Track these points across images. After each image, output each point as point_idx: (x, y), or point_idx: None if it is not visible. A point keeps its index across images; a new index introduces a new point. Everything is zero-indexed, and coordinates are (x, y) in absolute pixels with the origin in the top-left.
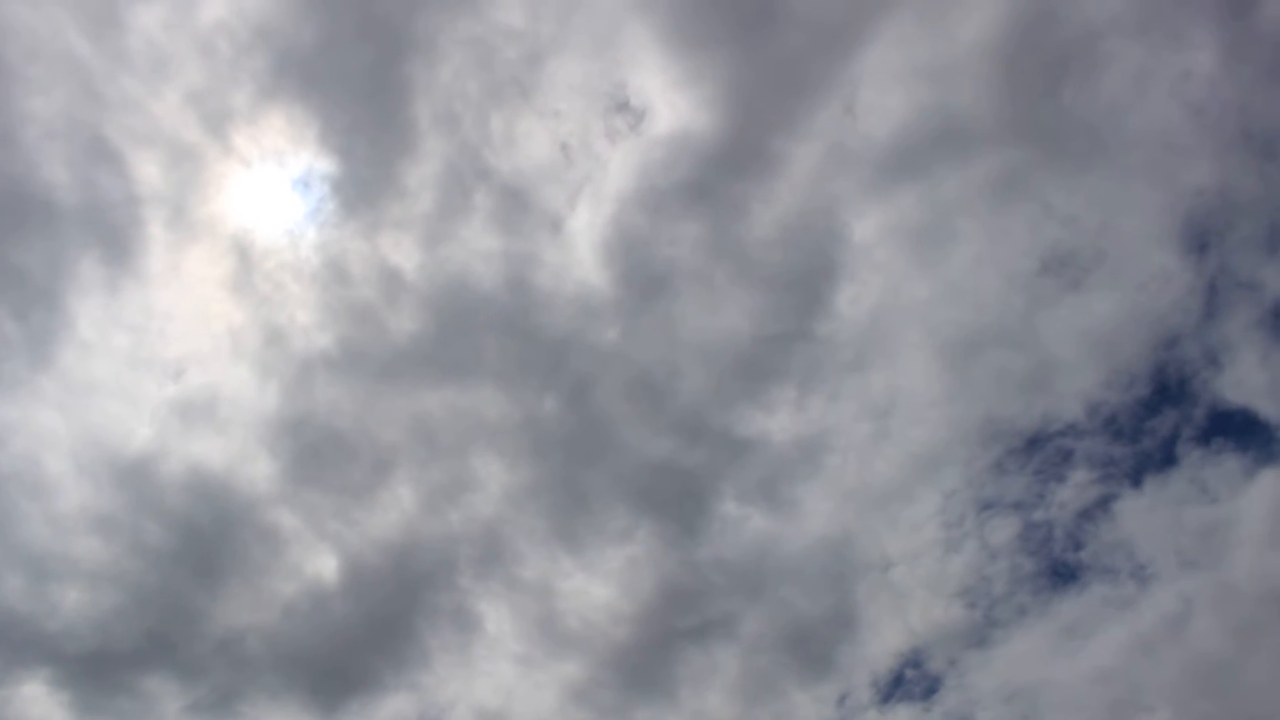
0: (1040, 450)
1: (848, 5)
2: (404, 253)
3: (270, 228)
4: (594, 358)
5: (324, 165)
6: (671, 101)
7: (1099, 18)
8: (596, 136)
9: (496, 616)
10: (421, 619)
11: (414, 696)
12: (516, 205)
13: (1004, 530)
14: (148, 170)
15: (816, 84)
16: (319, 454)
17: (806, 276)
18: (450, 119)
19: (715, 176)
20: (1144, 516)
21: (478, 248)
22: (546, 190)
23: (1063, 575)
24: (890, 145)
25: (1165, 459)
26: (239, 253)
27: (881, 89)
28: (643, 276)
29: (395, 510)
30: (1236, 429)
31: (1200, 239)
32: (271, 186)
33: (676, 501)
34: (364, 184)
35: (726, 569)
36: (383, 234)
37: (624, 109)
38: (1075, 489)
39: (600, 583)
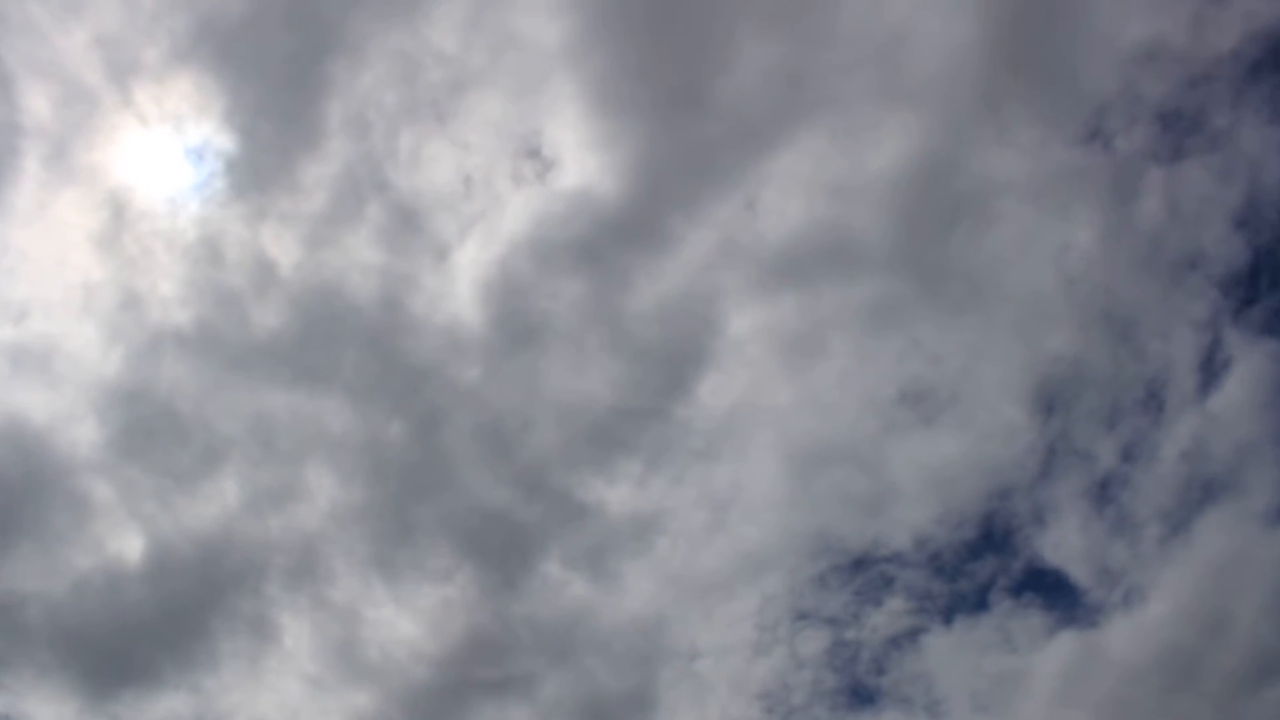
0: (864, 572)
1: (770, 109)
2: (283, 247)
3: (152, 191)
4: (451, 393)
5: (222, 141)
6: (582, 159)
7: (998, 177)
8: (501, 176)
9: (296, 632)
10: (218, 620)
11: (193, 698)
12: (407, 226)
13: (815, 643)
14: (37, 103)
15: (724, 175)
16: (150, 430)
17: (675, 358)
18: (360, 125)
19: (608, 242)
20: (948, 654)
21: (359, 258)
22: (440, 218)
23: (861, 697)
24: (782, 249)
25: (978, 603)
26: (114, 208)
27: (785, 194)
28: (516, 324)
29: (216, 504)
30: (1047, 588)
31: (1049, 402)
32: (163, 150)
33: (502, 552)
34: (258, 169)
35: (538, 629)
36: (266, 224)
37: (534, 156)
38: (889, 616)
39: (409, 618)
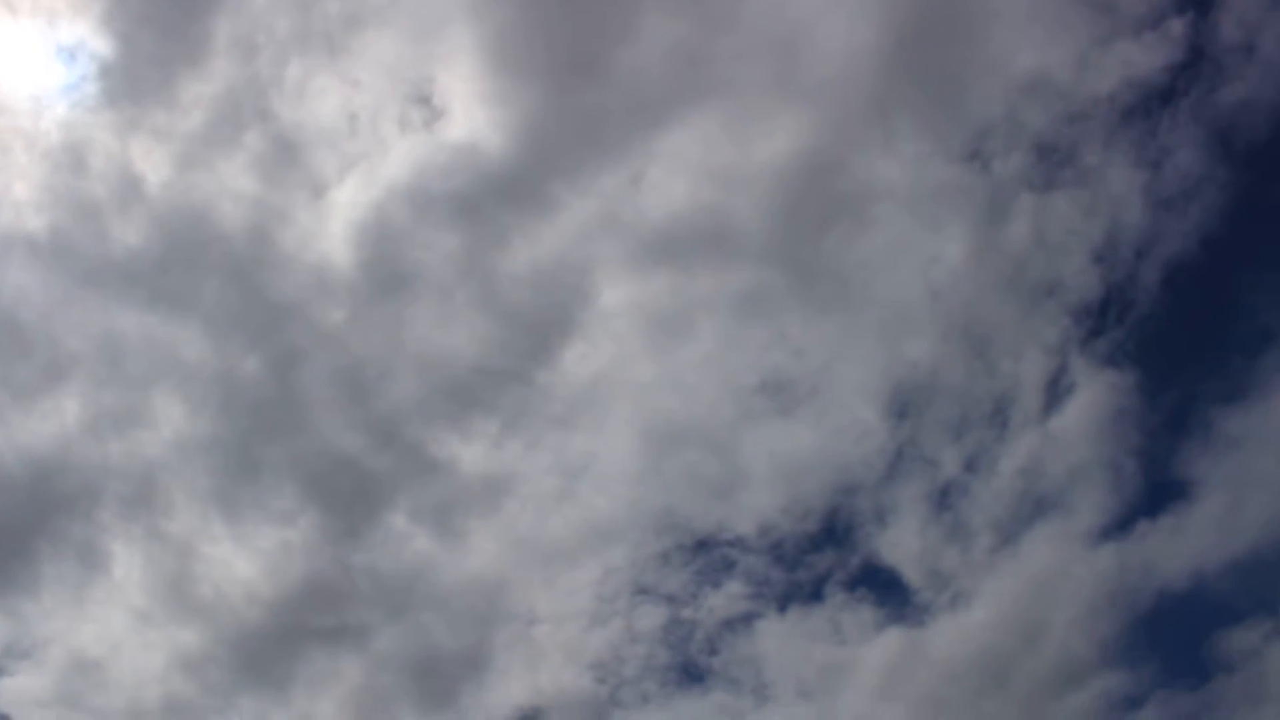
0: (706, 554)
1: (667, 87)
2: (153, 164)
3: (17, 87)
4: (312, 333)
5: (99, 45)
6: (472, 112)
7: (879, 183)
8: (388, 119)
9: (127, 563)
10: (45, 543)
11: (8, 622)
12: (286, 158)
13: (651, 618)
14: None
15: (613, 147)
16: None
17: (543, 323)
18: (249, 48)
19: (489, 199)
20: (779, 641)
21: (232, 185)
22: (321, 154)
23: (691, 675)
24: (662, 228)
25: (813, 594)
26: None
27: (671, 173)
28: (387, 270)
29: (55, 421)
30: (880, 585)
31: (901, 407)
32: (35, 45)
33: (348, 499)
34: (135, 79)
35: (377, 580)
36: (137, 136)
37: (424, 103)
38: (727, 598)
39: (247, 558)
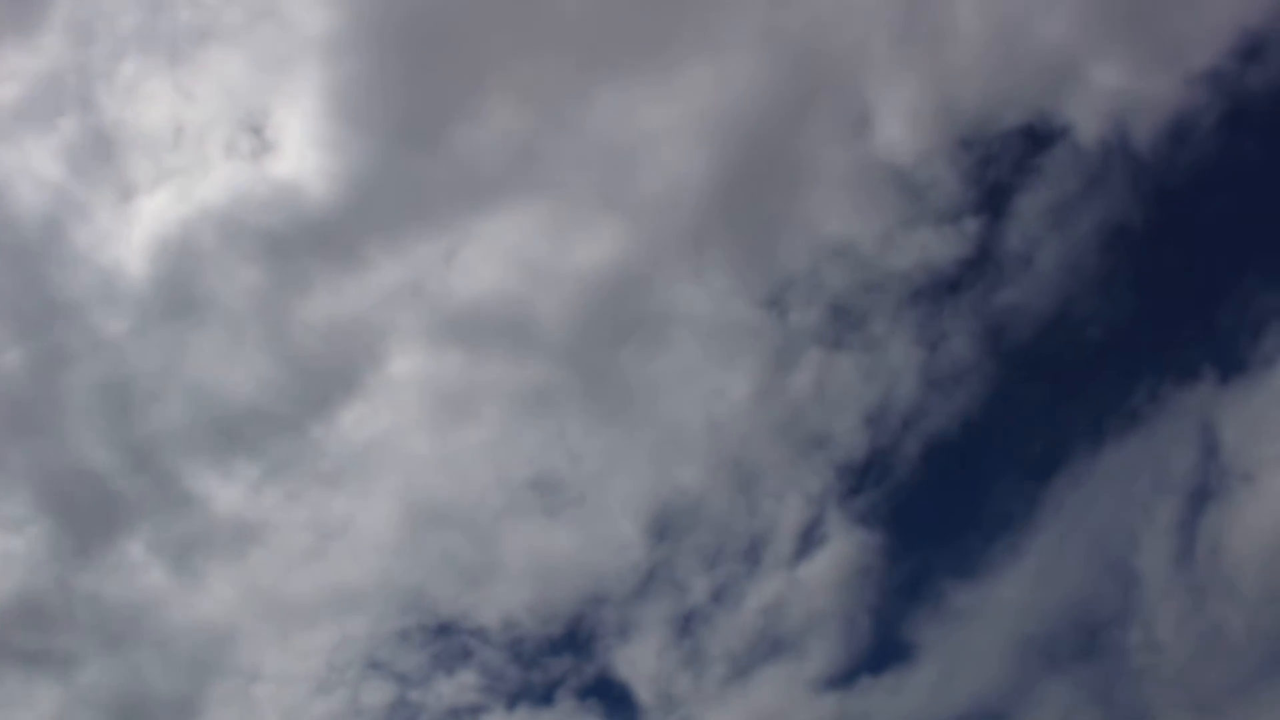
0: (447, 638)
1: (496, 172)
2: None
3: None
4: (87, 339)
5: None
6: (302, 153)
7: (681, 309)
8: (215, 140)
9: None
10: None
11: None
12: (99, 152)
13: (379, 694)
14: None
15: (434, 218)
16: None
17: (328, 377)
18: (85, 32)
19: (300, 242)
20: None
21: (34, 168)
22: (137, 158)
23: None
24: (465, 308)
25: (544, 696)
26: None
27: (485, 256)
28: (180, 291)
29: None
30: (612, 698)
31: (662, 528)
32: None
33: (86, 517)
34: None
35: (99, 607)
36: None
37: (256, 132)
38: (457, 688)
39: None
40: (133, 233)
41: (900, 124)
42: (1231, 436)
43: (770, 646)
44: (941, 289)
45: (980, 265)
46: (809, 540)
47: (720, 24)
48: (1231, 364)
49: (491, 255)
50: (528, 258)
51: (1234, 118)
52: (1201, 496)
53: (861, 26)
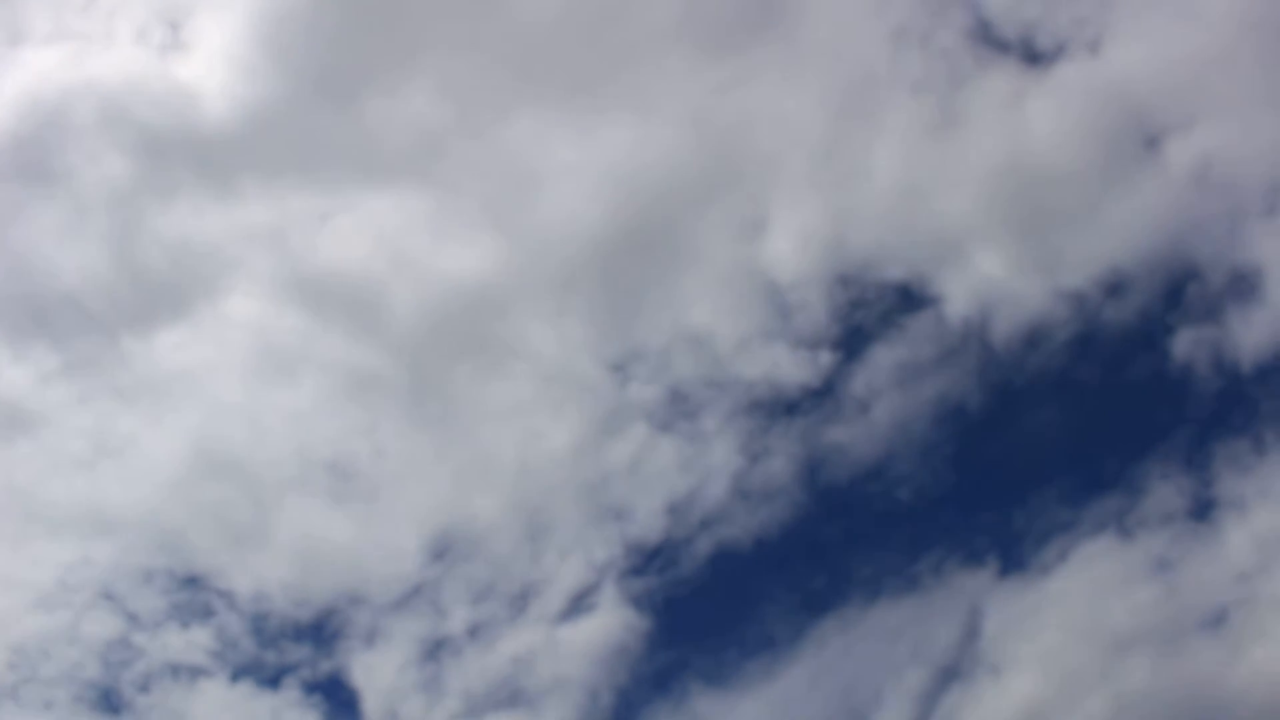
0: (191, 591)
1: (406, 153)
2: None
3: None
4: None
5: None
6: (212, 65)
7: (528, 342)
8: (127, 21)
9: None
10: None
11: None
12: None
13: (101, 627)
14: None
15: (324, 177)
16: None
17: (162, 294)
18: None
19: (180, 152)
20: (212, 707)
21: None
22: (39, 7)
23: (105, 702)
24: (324, 272)
25: (271, 679)
26: None
27: (362, 229)
28: (39, 159)
29: None
30: (338, 700)
31: (442, 550)
32: None
33: None
34: None
35: None
36: None
37: (172, 28)
38: (185, 644)
39: None
40: (6, 81)
41: (791, 242)
42: (993, 627)
43: (509, 696)
44: (779, 408)
45: (821, 398)
46: (579, 604)
47: (657, 90)
48: (1012, 561)
49: (366, 231)
50: (400, 246)
51: (1082, 341)
52: (951, 675)
53: (785, 137)
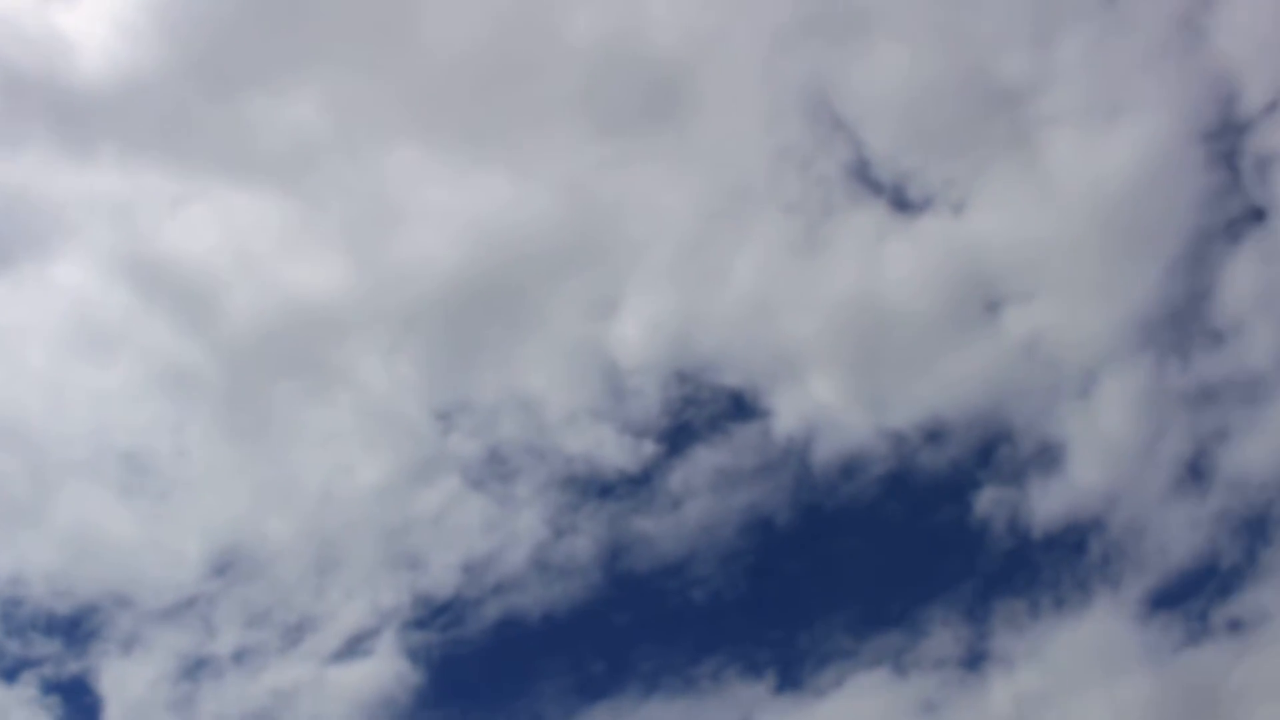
0: None
1: (275, 155)
2: None
3: None
4: None
5: None
6: (94, 18)
7: (356, 371)
8: None
9: None
10: None
11: None
12: None
13: None
14: None
15: (187, 162)
16: None
17: None
18: None
19: (38, 100)
20: None
21: None
22: None
23: None
24: (164, 258)
25: (8, 671)
26: None
27: (212, 222)
28: None
29: None
30: (77, 704)
31: (223, 566)
32: None
33: None
34: None
35: None
36: None
37: None
38: None
39: None
40: None
41: (639, 328)
42: None
43: None
44: (593, 488)
45: (636, 486)
46: (355, 647)
47: (540, 153)
48: (789, 679)
49: (217, 225)
50: (249, 248)
51: (895, 479)
52: None
53: (655, 227)
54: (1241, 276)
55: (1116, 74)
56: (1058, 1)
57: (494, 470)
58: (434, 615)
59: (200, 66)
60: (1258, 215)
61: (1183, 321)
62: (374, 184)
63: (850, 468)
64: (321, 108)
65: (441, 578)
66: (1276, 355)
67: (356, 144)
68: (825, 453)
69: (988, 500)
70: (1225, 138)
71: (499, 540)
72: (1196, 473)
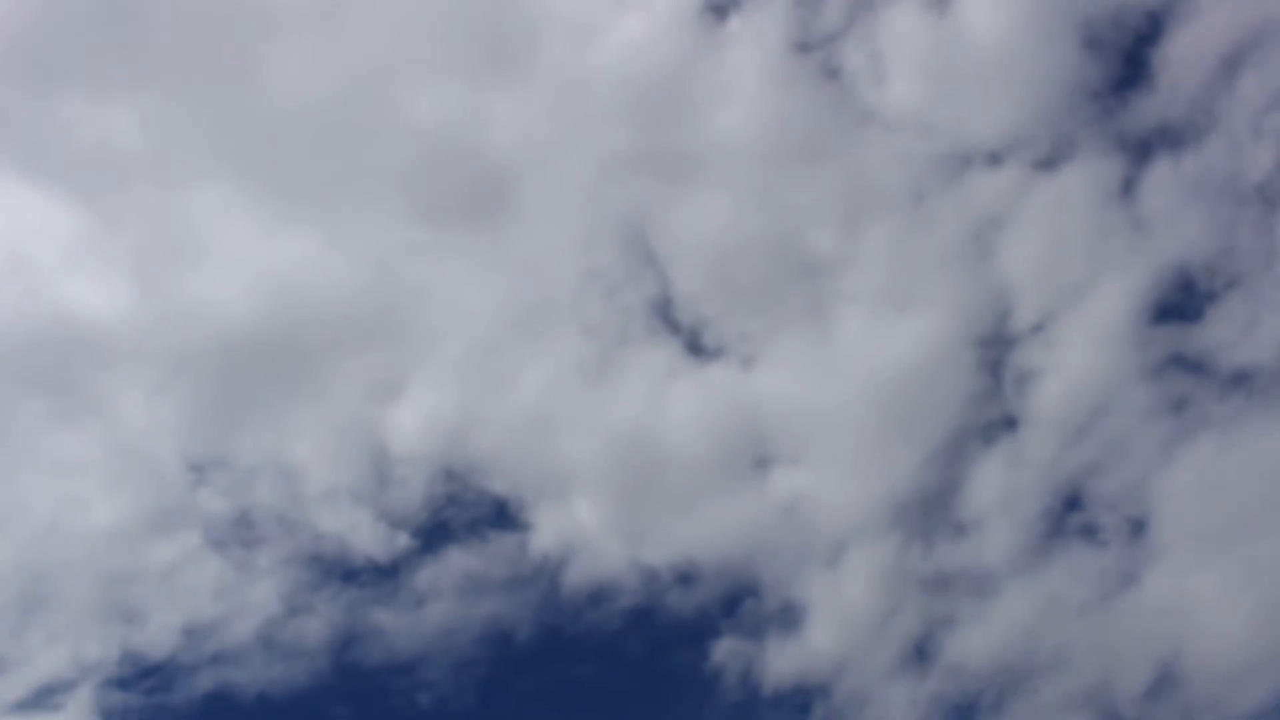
0: None
1: (81, 161)
2: None
3: None
4: None
5: None
6: None
7: None
8: None
9: None
10: None
11: None
12: None
13: None
14: None
15: None
16: None
17: None
18: None
19: None
20: None
21: None
22: None
23: None
24: None
25: None
26: None
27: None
28: None
29: None
30: None
31: None
32: None
33: None
34: None
35: None
36: None
37: None
38: None
39: None
40: None
41: (416, 418)
42: None
43: None
44: (338, 570)
45: (383, 576)
46: (43, 699)
47: (356, 222)
48: None
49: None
50: (29, 252)
51: (640, 615)
52: None
53: (453, 320)
54: (988, 477)
55: (912, 269)
56: (871, 192)
57: (239, 534)
58: (141, 676)
59: (25, 51)
60: (1010, 424)
61: (931, 509)
62: (178, 215)
63: (599, 596)
64: (141, 125)
65: (158, 637)
66: (1008, 555)
67: (168, 171)
68: (577, 577)
69: (725, 649)
70: (994, 348)
71: (229, 607)
72: (921, 654)
